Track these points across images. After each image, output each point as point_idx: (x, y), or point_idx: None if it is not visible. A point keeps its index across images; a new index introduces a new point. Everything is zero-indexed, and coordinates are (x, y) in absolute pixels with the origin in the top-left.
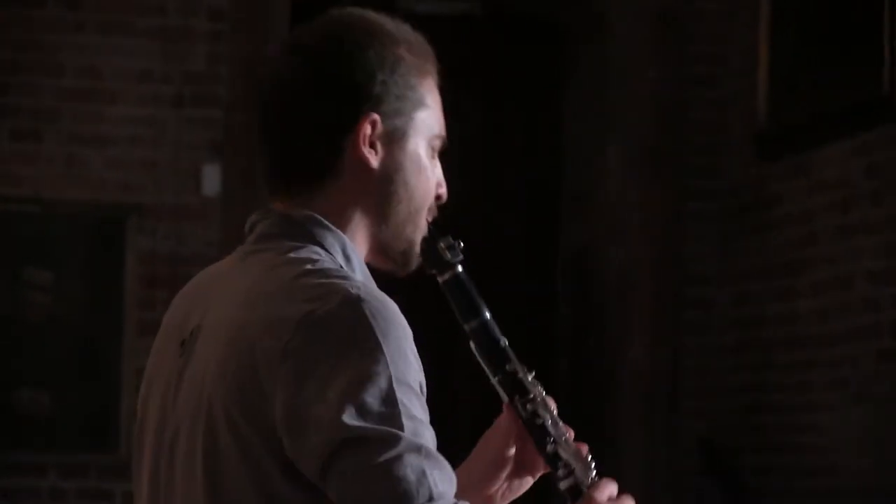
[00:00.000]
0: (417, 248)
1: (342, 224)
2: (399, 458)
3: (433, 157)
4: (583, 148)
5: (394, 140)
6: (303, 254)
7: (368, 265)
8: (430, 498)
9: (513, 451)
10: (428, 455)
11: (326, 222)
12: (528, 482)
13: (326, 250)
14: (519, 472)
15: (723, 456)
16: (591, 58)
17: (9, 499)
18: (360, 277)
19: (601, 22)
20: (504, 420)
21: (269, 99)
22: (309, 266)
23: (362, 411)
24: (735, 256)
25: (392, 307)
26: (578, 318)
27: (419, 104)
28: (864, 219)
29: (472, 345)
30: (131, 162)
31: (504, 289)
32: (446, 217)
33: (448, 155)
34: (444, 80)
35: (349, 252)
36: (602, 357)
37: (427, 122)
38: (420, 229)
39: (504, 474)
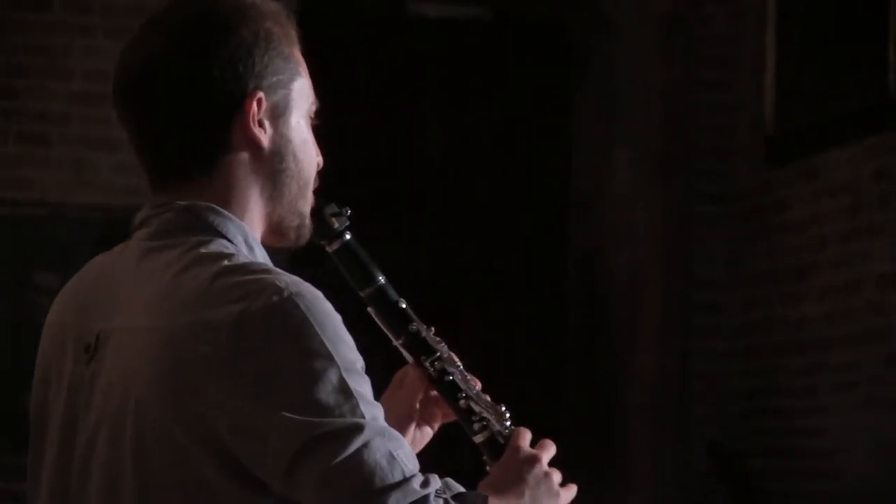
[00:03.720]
0: (309, 221)
1: (240, 210)
2: (367, 445)
3: (310, 126)
4: (591, 152)
5: (279, 115)
6: (213, 248)
7: (264, 245)
8: (404, 477)
9: (418, 407)
10: (391, 436)
11: (226, 212)
12: (429, 434)
13: (230, 241)
14: (420, 424)
15: (731, 460)
16: (600, 62)
17: (17, 503)
18: None
19: (610, 26)
20: (411, 379)
21: (143, 88)
22: (226, 262)
23: (320, 408)
24: (743, 260)
25: (320, 295)
26: (587, 321)
27: (295, 74)
28: (872, 222)
29: (370, 310)
30: (139, 166)
31: (512, 292)
32: (457, 220)
33: (457, 158)
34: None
35: (251, 241)
36: (610, 361)
37: (304, 91)
38: (309, 201)
39: (412, 430)
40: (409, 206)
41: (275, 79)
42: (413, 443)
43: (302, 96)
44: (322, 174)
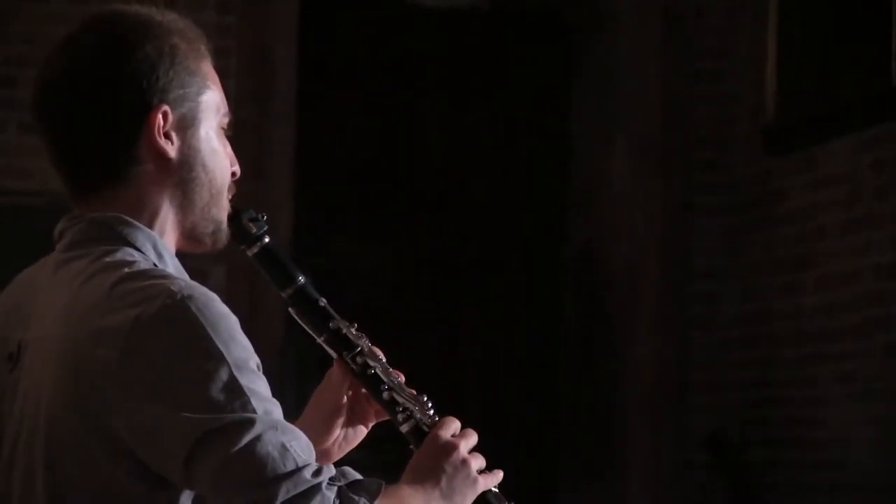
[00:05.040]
0: (225, 226)
1: (150, 219)
2: (259, 437)
3: (223, 137)
4: (589, 143)
5: (186, 127)
6: (117, 257)
7: (181, 252)
8: (297, 467)
9: (345, 402)
10: (284, 429)
11: (135, 222)
12: (363, 432)
13: (139, 250)
14: (352, 422)
15: (729, 450)
16: (598, 53)
17: None
18: (174, 272)
19: (608, 17)
20: (335, 375)
21: (53, 103)
22: (126, 270)
23: (212, 405)
24: (741, 251)
25: (214, 298)
26: (585, 313)
27: (202, 87)
28: (871, 213)
29: (292, 311)
30: None
31: (510, 285)
32: (457, 214)
33: (455, 154)
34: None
35: (160, 249)
36: (609, 352)
37: (213, 103)
38: (223, 208)
39: (339, 426)
40: (405, 204)
41: (181, 92)
42: (345, 439)
43: (210, 108)
44: (319, 173)
